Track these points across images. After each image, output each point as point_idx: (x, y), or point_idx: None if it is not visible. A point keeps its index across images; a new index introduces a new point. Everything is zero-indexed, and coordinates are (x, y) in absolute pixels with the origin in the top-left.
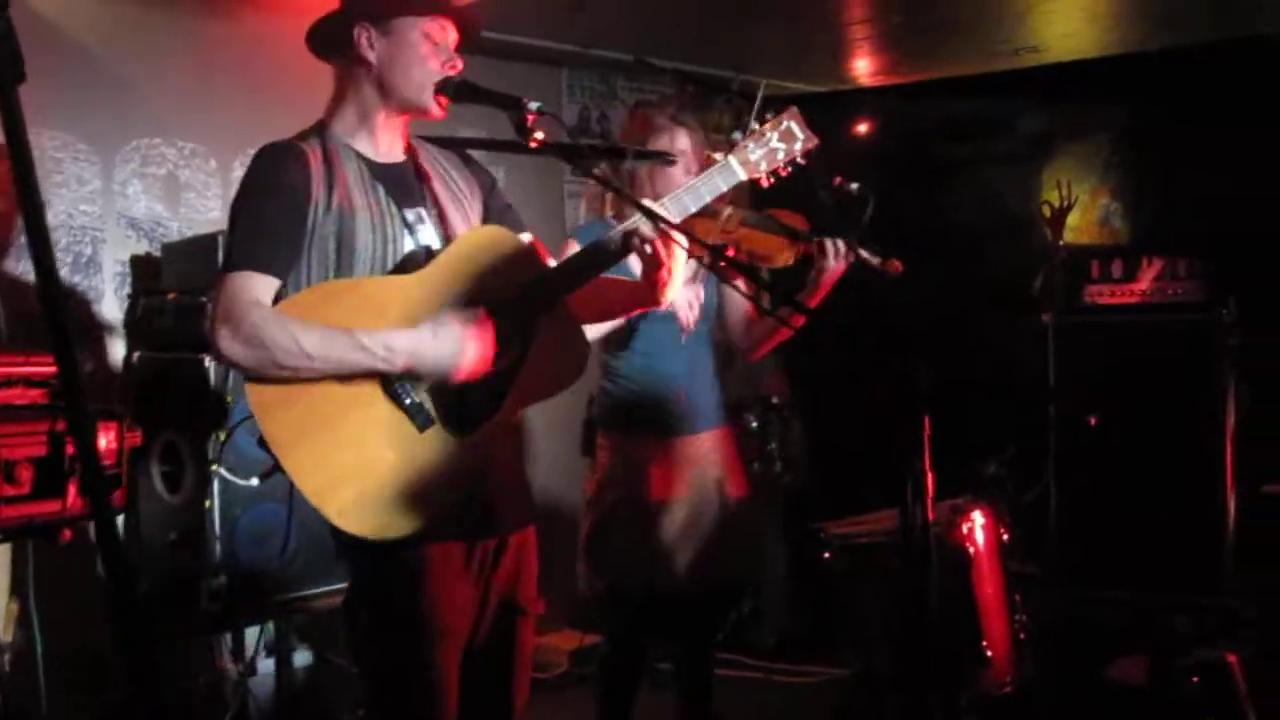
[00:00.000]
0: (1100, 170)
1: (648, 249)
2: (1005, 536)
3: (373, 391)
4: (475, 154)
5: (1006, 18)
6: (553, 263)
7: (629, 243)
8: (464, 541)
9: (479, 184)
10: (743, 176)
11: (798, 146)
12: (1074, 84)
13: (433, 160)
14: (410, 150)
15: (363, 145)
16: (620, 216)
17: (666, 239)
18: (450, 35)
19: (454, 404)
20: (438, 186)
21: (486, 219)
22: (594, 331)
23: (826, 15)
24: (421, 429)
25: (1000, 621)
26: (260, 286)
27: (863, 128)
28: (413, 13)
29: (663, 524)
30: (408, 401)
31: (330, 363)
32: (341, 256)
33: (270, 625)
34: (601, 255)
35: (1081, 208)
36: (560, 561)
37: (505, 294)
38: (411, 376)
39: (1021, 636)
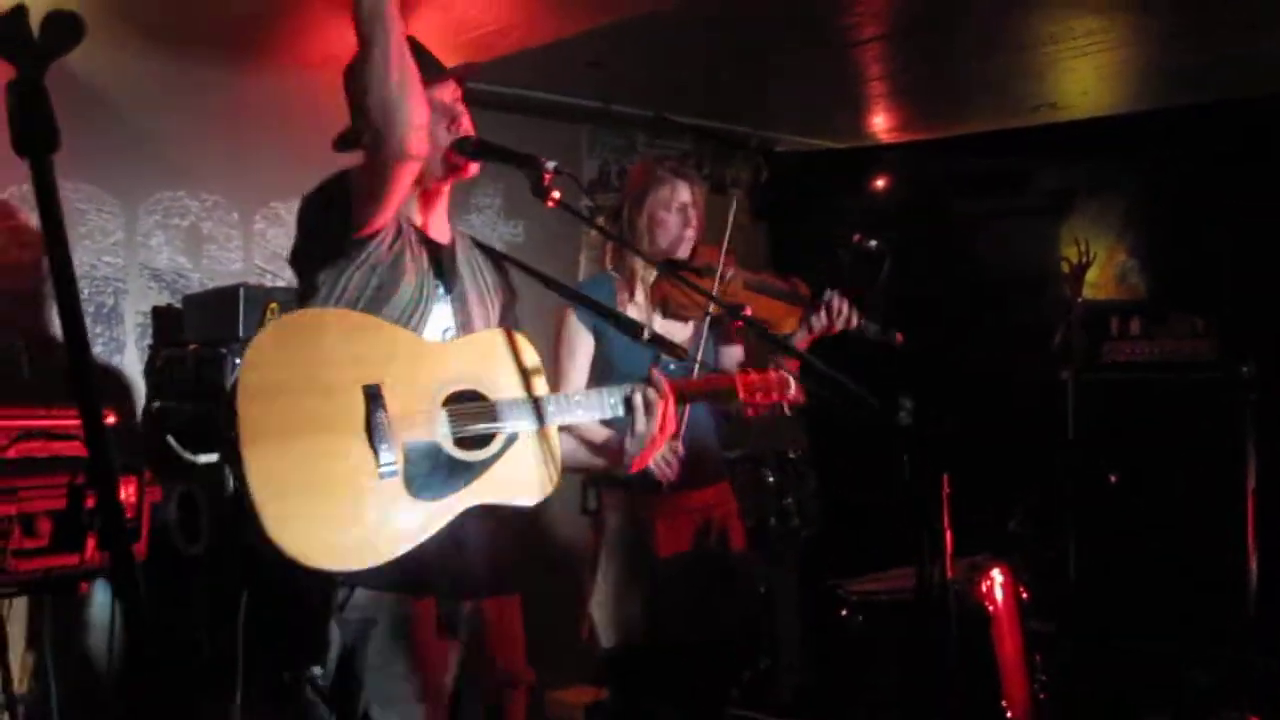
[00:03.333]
0: (1119, 227)
1: (644, 412)
2: (1025, 595)
3: (355, 421)
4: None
5: (1025, 75)
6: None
7: (630, 403)
8: (439, 599)
9: (501, 292)
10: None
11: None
12: (1092, 141)
13: (469, 251)
14: (452, 239)
15: (414, 216)
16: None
17: (667, 405)
18: (448, 94)
19: (422, 468)
20: (466, 275)
21: (501, 324)
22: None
23: (845, 72)
24: (381, 476)
25: (1019, 681)
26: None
27: (881, 183)
28: None
29: (671, 581)
30: (382, 445)
31: None
32: (379, 291)
33: (285, 677)
34: (600, 406)
35: (1100, 264)
36: (573, 616)
37: (505, 393)
38: (400, 424)
39: (1041, 696)
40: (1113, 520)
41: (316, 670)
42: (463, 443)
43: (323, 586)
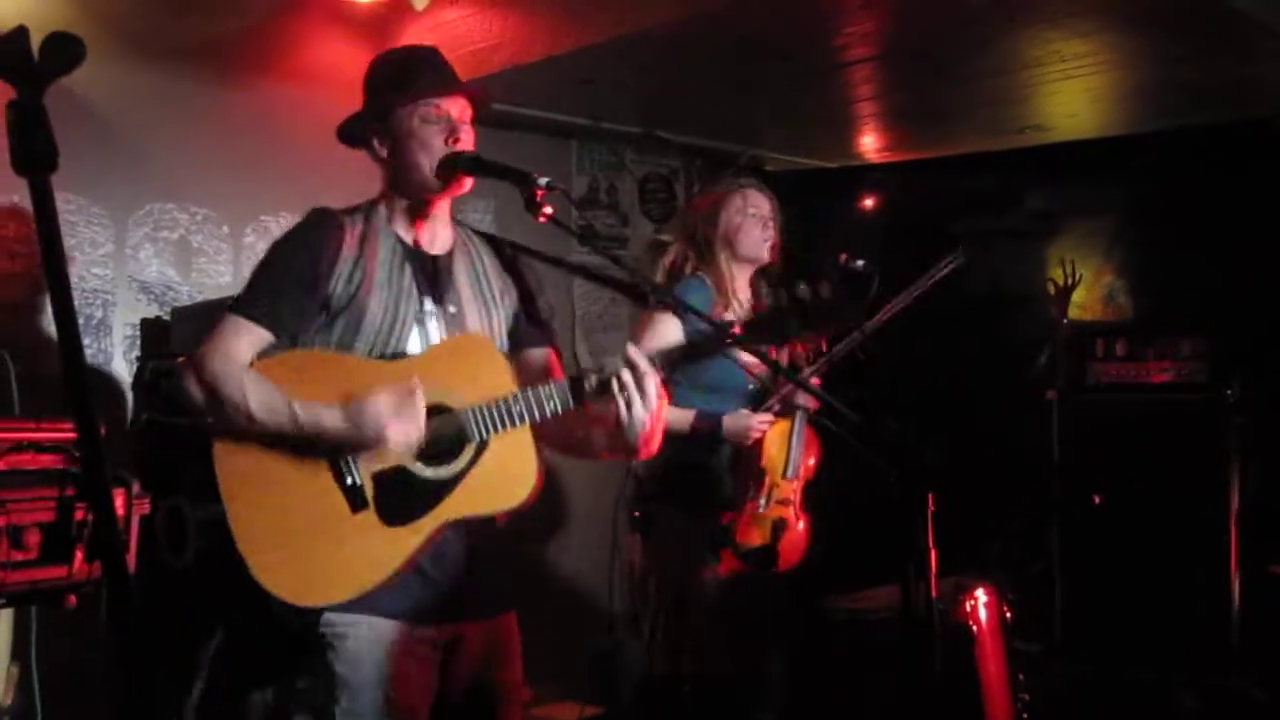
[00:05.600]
0: (1105, 248)
1: (624, 396)
2: (1009, 614)
3: (318, 464)
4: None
5: (1012, 97)
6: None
7: (607, 388)
8: (411, 623)
9: (518, 291)
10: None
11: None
12: (1079, 163)
13: (473, 258)
14: (452, 246)
15: (403, 230)
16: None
17: (646, 387)
18: (454, 110)
19: (393, 493)
20: (463, 284)
21: (515, 326)
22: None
23: (833, 92)
24: (354, 510)
25: (1003, 701)
26: (248, 336)
27: (869, 203)
28: (404, 103)
29: (737, 601)
30: (348, 481)
31: (269, 427)
32: (347, 332)
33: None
34: (574, 394)
35: (1086, 285)
36: (562, 632)
37: (472, 399)
38: (361, 456)
39: (1025, 717)
40: (1097, 541)
41: (300, 684)
42: (435, 459)
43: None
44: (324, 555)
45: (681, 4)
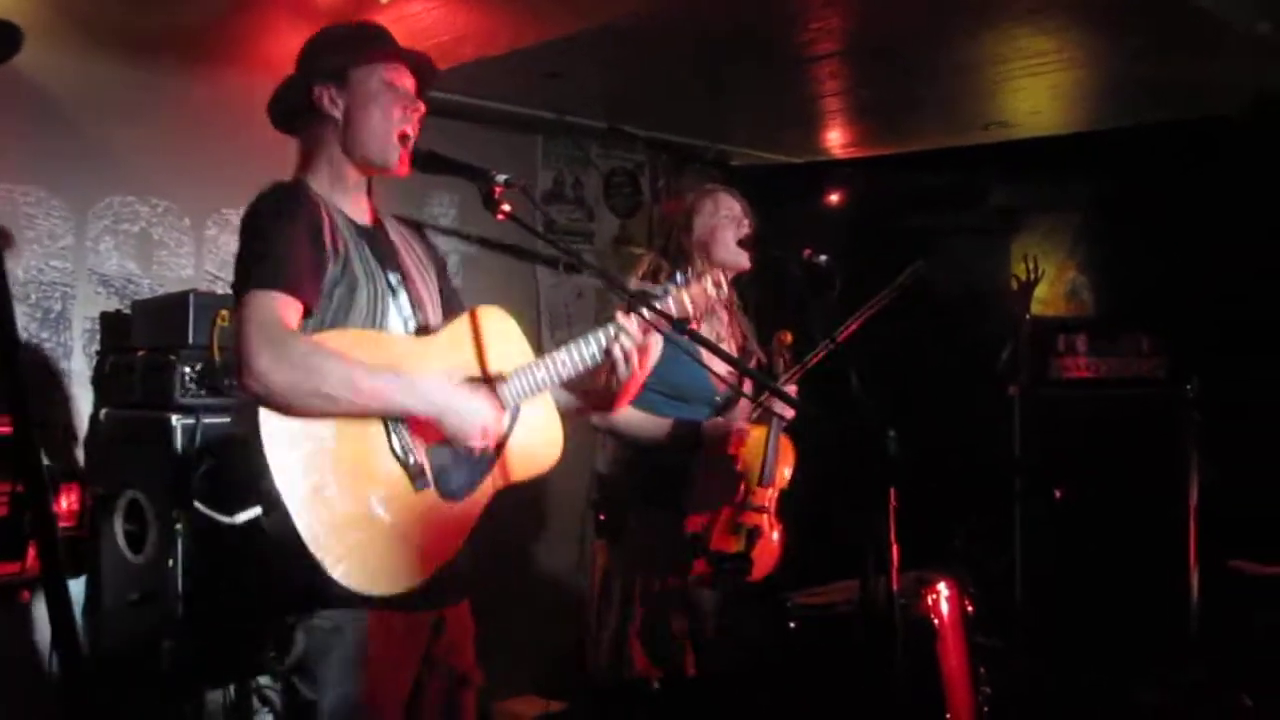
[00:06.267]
0: (1068, 244)
1: (620, 351)
2: (970, 608)
3: (379, 445)
4: (431, 235)
5: (976, 94)
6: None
7: (611, 344)
8: (405, 611)
9: (434, 260)
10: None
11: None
12: (1042, 159)
13: (396, 230)
14: (376, 218)
15: (340, 203)
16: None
17: (644, 348)
18: (408, 81)
19: (448, 469)
20: (404, 254)
21: (441, 296)
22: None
23: (799, 87)
24: (418, 489)
25: (964, 695)
26: (290, 310)
27: (834, 198)
28: (369, 61)
29: (705, 602)
30: (410, 460)
31: (376, 402)
32: (341, 307)
33: (231, 689)
34: (589, 352)
35: (1048, 281)
36: (527, 626)
37: (501, 369)
38: (416, 434)
39: (985, 710)
40: (1058, 535)
41: (263, 680)
42: None
43: (289, 595)
44: (398, 538)
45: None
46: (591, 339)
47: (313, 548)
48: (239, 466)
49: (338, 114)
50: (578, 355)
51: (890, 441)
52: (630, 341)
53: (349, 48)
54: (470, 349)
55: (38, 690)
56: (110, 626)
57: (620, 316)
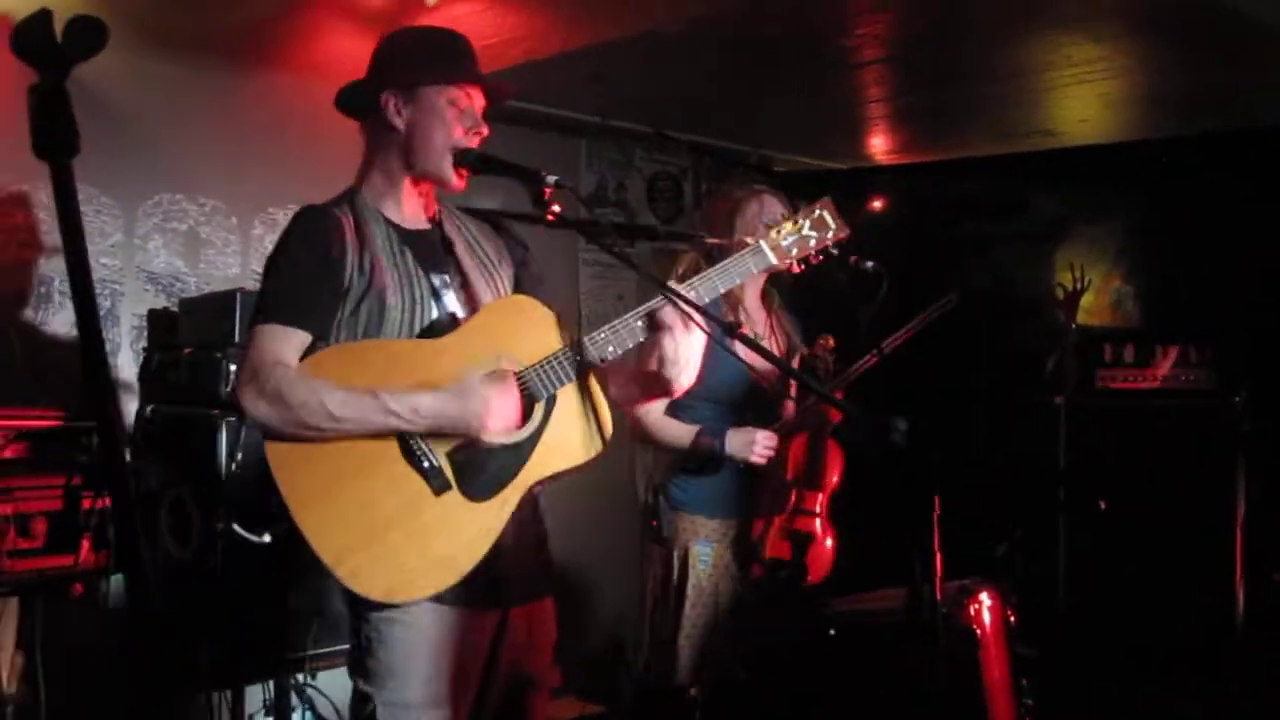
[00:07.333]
0: (1113, 254)
1: (669, 326)
2: (1012, 619)
3: (391, 453)
4: (513, 225)
5: (1023, 101)
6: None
7: (652, 323)
8: (466, 609)
9: (510, 254)
10: (774, 261)
11: (829, 235)
12: (1089, 168)
13: (459, 227)
14: (436, 218)
15: (390, 211)
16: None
17: (686, 322)
18: (477, 102)
19: (472, 469)
20: (463, 254)
21: (519, 289)
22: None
23: (844, 93)
24: (438, 492)
25: (1006, 705)
26: (289, 341)
27: (878, 205)
28: (439, 82)
29: (751, 609)
30: (425, 464)
31: (355, 424)
32: (371, 320)
33: (270, 685)
34: (629, 333)
35: (1095, 291)
36: (567, 628)
37: (529, 360)
38: (435, 437)
39: None
40: (1102, 547)
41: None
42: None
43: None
44: (415, 546)
45: (693, 4)
46: (631, 315)
47: (329, 562)
48: (264, 483)
49: (401, 124)
50: (622, 329)
51: (935, 451)
52: (674, 312)
53: (424, 65)
54: (492, 341)
55: (89, 686)
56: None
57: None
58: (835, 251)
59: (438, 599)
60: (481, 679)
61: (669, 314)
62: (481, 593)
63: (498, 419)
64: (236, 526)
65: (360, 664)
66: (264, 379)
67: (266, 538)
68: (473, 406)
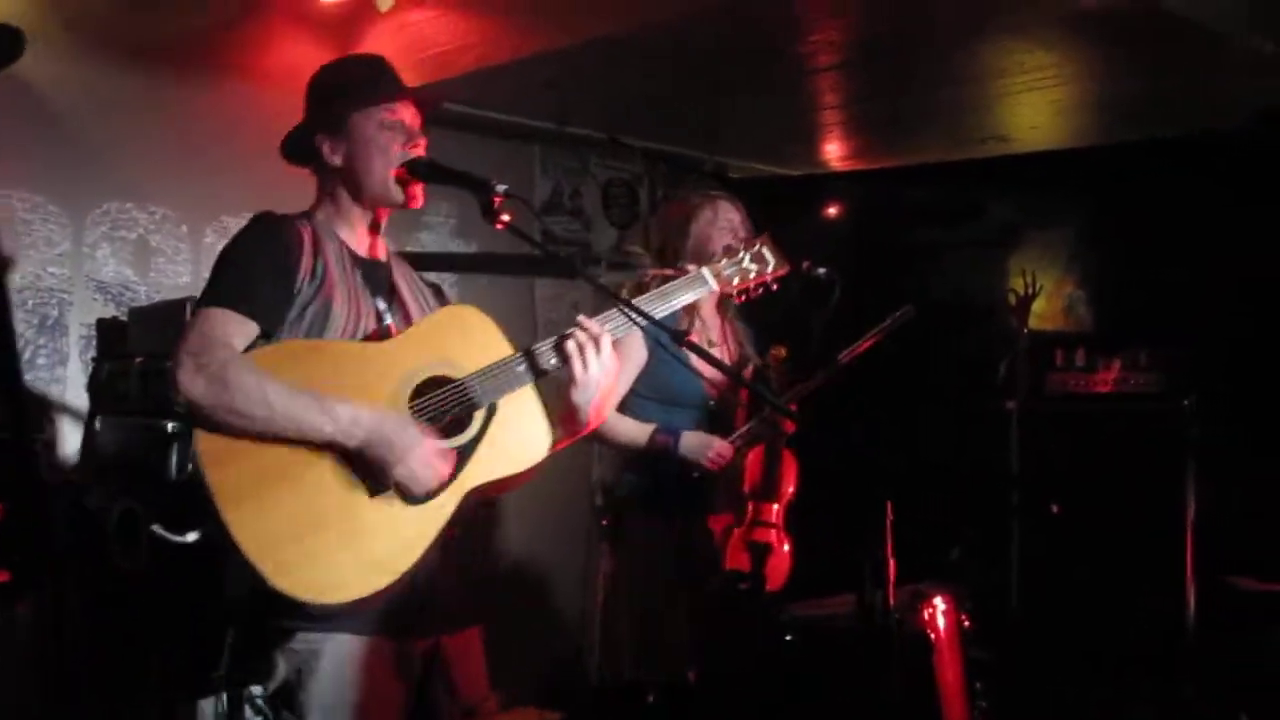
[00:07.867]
0: (1065, 259)
1: (575, 354)
2: (966, 623)
3: (324, 452)
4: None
5: (976, 106)
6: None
7: (562, 346)
8: (393, 640)
9: (439, 304)
10: (714, 288)
11: (769, 270)
12: (1041, 174)
13: (405, 273)
14: (386, 259)
15: (345, 236)
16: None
17: (600, 345)
18: (408, 116)
19: None
20: (405, 292)
21: None
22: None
23: (798, 99)
24: (373, 494)
25: (960, 709)
26: (235, 326)
27: (832, 211)
28: (363, 107)
29: (708, 611)
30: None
31: (289, 420)
32: (315, 327)
33: (224, 697)
34: (541, 358)
35: (1046, 296)
36: (525, 637)
37: (472, 367)
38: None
39: None
40: (1055, 550)
41: (256, 690)
42: (445, 431)
43: (272, 616)
44: (349, 546)
45: (647, 10)
46: (551, 347)
47: (254, 559)
48: (193, 485)
49: (339, 161)
50: (537, 361)
51: (886, 455)
52: (584, 335)
53: (345, 94)
54: (436, 348)
55: (20, 700)
56: (103, 634)
57: (581, 318)
58: (775, 286)
59: (364, 629)
60: (416, 712)
61: (571, 345)
62: (413, 620)
63: (415, 472)
64: (157, 527)
65: (289, 696)
66: (208, 358)
67: (190, 537)
68: (403, 443)
